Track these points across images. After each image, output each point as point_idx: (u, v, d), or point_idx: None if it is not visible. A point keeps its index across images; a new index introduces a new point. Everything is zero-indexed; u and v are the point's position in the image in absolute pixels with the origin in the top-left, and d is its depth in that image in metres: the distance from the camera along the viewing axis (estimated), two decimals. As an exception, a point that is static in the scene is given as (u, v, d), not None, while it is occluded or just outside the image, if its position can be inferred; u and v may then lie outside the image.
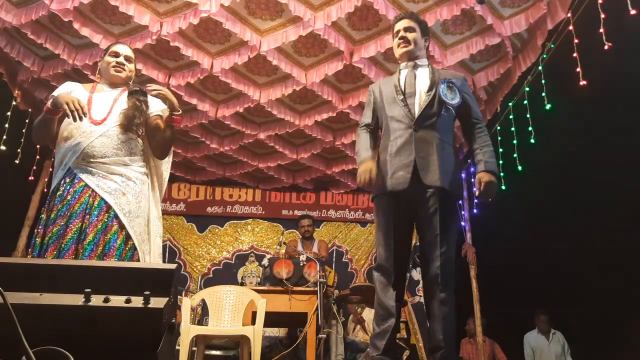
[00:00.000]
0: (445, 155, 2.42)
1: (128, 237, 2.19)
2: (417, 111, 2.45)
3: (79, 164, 2.23)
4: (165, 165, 2.57)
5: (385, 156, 2.46)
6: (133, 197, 2.25)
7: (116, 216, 2.18)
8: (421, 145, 2.38)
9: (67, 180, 2.23)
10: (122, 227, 2.18)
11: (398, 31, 2.64)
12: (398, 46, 2.63)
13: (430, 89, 2.49)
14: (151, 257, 2.32)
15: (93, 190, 2.19)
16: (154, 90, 2.37)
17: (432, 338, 2.31)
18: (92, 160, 2.23)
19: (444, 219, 2.36)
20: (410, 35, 2.60)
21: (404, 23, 2.63)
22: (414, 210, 2.40)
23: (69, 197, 2.19)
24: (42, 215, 2.23)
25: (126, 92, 2.40)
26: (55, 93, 2.36)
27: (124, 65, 2.48)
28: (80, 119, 2.14)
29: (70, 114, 2.11)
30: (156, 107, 2.49)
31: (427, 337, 2.47)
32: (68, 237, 2.12)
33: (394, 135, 2.46)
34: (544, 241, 4.56)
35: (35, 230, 2.23)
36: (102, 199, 2.18)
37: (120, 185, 2.23)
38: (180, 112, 2.42)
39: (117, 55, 2.49)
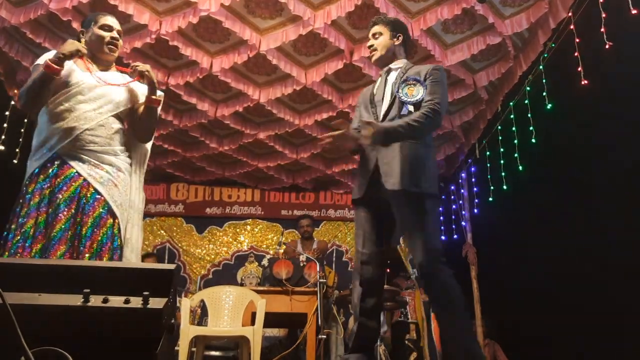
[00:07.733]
0: (410, 154, 2.33)
1: (119, 229, 2.12)
2: (380, 117, 2.47)
3: (69, 149, 2.09)
4: (145, 150, 2.45)
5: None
6: (123, 188, 2.19)
7: (110, 209, 2.09)
8: (384, 151, 2.37)
9: (56, 164, 2.08)
10: (115, 219, 2.11)
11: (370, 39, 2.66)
12: (370, 55, 2.66)
13: (393, 93, 2.51)
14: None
15: (85, 180, 2.07)
16: (135, 67, 2.23)
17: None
18: (84, 147, 2.10)
19: (412, 220, 2.32)
20: (376, 42, 2.60)
21: (372, 30, 2.63)
22: (383, 215, 2.45)
23: (57, 182, 2.05)
24: (21, 202, 2.05)
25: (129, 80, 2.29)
26: (40, 61, 2.17)
27: (118, 42, 2.27)
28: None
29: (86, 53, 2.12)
30: (144, 94, 2.33)
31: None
32: (58, 226, 1.98)
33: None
34: (545, 241, 4.54)
35: (11, 218, 2.03)
36: (95, 190, 2.08)
37: (112, 176, 2.14)
38: (161, 94, 2.31)
39: (110, 29, 2.25)
